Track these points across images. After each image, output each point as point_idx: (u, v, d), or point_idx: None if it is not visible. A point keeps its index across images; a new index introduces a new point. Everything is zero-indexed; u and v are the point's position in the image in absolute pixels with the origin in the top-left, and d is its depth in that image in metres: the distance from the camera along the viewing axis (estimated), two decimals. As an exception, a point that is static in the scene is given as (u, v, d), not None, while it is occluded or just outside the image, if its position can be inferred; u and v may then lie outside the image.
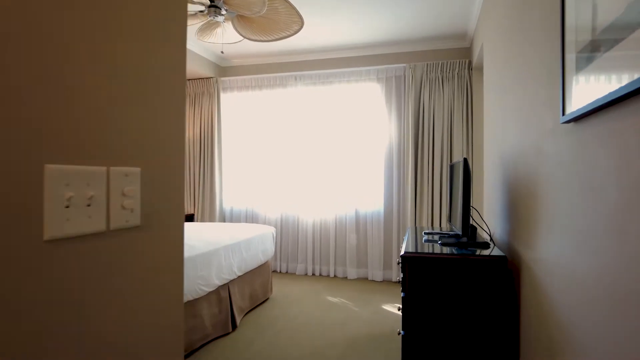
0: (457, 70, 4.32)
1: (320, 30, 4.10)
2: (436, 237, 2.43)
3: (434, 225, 4.35)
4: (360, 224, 4.74)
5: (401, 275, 1.99)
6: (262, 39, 3.22)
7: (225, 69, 5.26)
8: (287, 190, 4.97)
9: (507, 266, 1.83)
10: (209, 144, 5.12)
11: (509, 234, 2.13)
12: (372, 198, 4.69)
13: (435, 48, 4.48)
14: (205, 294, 2.76)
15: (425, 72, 4.42)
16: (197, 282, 2.64)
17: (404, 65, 4.53)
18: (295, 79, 4.93)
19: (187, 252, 2.61)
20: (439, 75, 4.37)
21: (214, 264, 2.84)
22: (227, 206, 5.26)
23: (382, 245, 4.62)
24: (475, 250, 2.01)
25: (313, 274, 4.86)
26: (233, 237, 3.23)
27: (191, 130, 5.24)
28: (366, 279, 4.69)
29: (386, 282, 4.57)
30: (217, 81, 5.11)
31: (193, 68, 4.77)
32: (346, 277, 4.73)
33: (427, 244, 2.27)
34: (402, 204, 4.57)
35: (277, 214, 5.01)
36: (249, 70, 5.14)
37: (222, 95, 5.23)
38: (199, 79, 5.17)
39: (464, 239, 2.16)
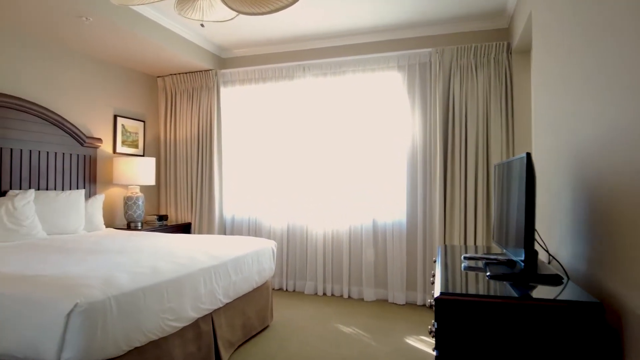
0: (493, 54, 3.61)
1: (330, 11, 3.48)
2: (480, 264, 1.75)
3: (468, 241, 3.63)
4: (378, 237, 4.06)
5: (434, 325, 1.33)
6: (254, 11, 2.61)
7: (226, 61, 4.70)
8: (294, 197, 4.34)
9: (604, 319, 1.17)
10: (208, 144, 4.55)
11: (590, 261, 1.44)
12: (393, 206, 4.01)
13: (466, 30, 3.79)
14: (175, 330, 2.14)
15: (455, 58, 3.73)
16: (163, 316, 2.03)
17: (430, 50, 3.86)
18: (304, 69, 4.31)
19: (149, 277, 2.00)
20: (471, 61, 3.67)
21: (187, 292, 2.22)
22: (227, 215, 4.67)
23: (404, 262, 3.92)
24: (543, 289, 1.33)
25: (324, 294, 4.20)
26: (217, 256, 2.60)
27: (188, 130, 4.68)
28: (386, 301, 3.99)
29: (410, 305, 3.87)
30: (216, 74, 4.54)
31: (189, 60, 4.22)
32: (362, 299, 4.05)
33: (468, 274, 1.60)
34: (429, 214, 3.87)
35: (283, 223, 4.38)
36: (252, 61, 4.56)
37: (222, 90, 4.67)
38: (196, 71, 4.62)
39: (520, 269, 1.48)
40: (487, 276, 1.51)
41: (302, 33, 4.06)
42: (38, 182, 3.39)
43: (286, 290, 4.36)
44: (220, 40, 4.30)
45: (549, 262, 1.87)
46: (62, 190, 3.55)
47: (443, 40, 3.85)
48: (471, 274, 1.61)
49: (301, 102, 4.31)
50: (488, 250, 2.26)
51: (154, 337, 1.98)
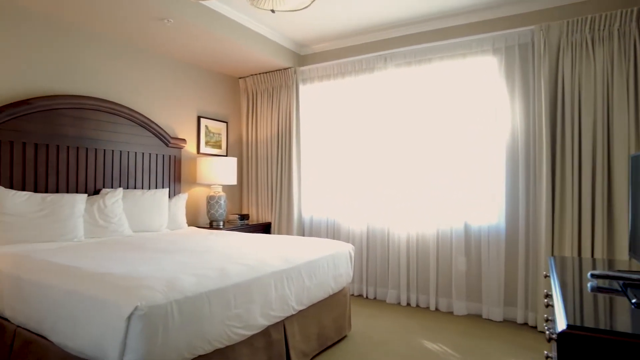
0: (617, 24, 2.97)
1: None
2: (616, 285, 1.33)
3: (583, 253, 3.03)
4: (471, 243, 3.60)
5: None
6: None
7: (305, 58, 4.57)
8: (374, 197, 4.05)
9: None
10: (287, 143, 4.46)
11: None
12: (488, 208, 3.53)
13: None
14: (244, 338, 2.00)
15: (564, 34, 3.15)
16: (230, 323, 1.89)
17: (532, 27, 3.32)
18: (385, 59, 4.00)
19: (216, 281, 1.88)
20: (586, 36, 3.07)
21: (256, 297, 2.07)
22: (306, 215, 4.53)
23: (502, 273, 3.42)
24: None
25: (408, 304, 3.84)
26: (289, 259, 2.43)
27: (268, 129, 4.64)
28: (479, 316, 3.52)
29: (508, 323, 3.36)
30: (295, 72, 4.44)
31: (269, 59, 4.17)
32: (451, 312, 3.62)
33: (600, 297, 1.20)
34: (533, 218, 3.32)
35: (362, 225, 4.12)
36: (330, 56, 4.37)
37: (301, 88, 4.55)
38: (276, 70, 4.57)
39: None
40: (633, 304, 1.11)
41: (381, 21, 3.77)
42: (127, 181, 3.55)
43: (366, 297, 4.08)
44: (298, 36, 4.18)
45: None
46: (148, 189, 3.69)
47: (549, 15, 3.28)
48: (603, 298, 1.20)
49: (382, 96, 4.01)
50: (611, 264, 1.78)
51: (220, 346, 1.85)
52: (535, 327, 3.22)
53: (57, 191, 3.04)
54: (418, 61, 3.85)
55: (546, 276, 1.71)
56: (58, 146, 3.05)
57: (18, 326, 2.05)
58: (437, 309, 3.70)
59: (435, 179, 3.74)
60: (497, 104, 3.47)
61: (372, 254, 4.08)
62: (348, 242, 4.18)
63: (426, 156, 3.78)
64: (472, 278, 3.58)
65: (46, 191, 2.98)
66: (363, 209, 4.11)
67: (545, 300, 1.48)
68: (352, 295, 4.16)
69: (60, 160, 3.07)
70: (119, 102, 3.57)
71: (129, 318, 1.50)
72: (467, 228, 3.61)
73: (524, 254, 3.33)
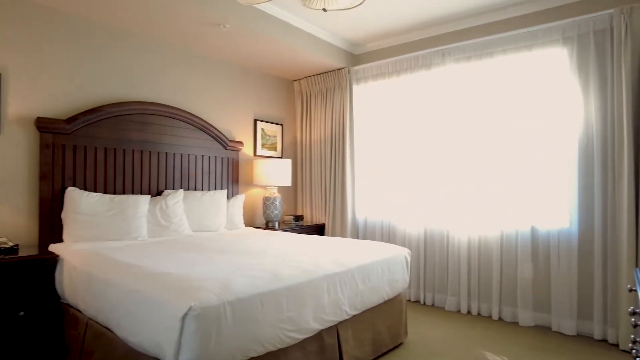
0: None
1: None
2: None
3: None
4: (539, 248, 3.34)
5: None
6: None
7: (358, 57, 4.51)
8: (432, 198, 3.89)
9: None
10: (340, 144, 4.42)
11: None
12: (558, 211, 3.24)
13: (668, -21, 2.83)
14: (295, 342, 1.98)
15: (650, 18, 2.82)
16: (282, 326, 1.88)
17: (610, 11, 3.00)
18: (443, 55, 3.83)
19: (268, 283, 1.88)
20: (677, 19, 2.72)
21: (308, 300, 2.04)
22: (360, 217, 4.46)
23: (574, 282, 3.13)
24: None
25: (468, 312, 3.65)
26: (342, 262, 2.38)
27: (322, 130, 4.63)
28: (548, 329, 3.25)
29: (583, 338, 3.06)
30: (349, 72, 4.39)
31: (323, 59, 4.15)
32: (516, 323, 3.38)
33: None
34: (612, 222, 2.99)
35: (419, 228, 3.97)
36: (384, 54, 4.26)
37: (355, 88, 4.49)
38: (329, 71, 4.54)
39: None
40: None
41: (438, 15, 3.61)
42: (188, 182, 3.69)
43: (423, 303, 3.93)
44: (351, 35, 4.13)
45: None
46: (208, 190, 3.81)
47: (631, -2, 2.95)
48: None
49: (440, 93, 3.84)
50: None
51: (272, 348, 1.84)
52: (617, 345, 2.90)
53: (123, 192, 3.24)
54: (478, 55, 3.64)
55: (631, 290, 1.51)
56: (124, 150, 3.25)
57: (89, 318, 2.19)
58: (500, 319, 3.47)
59: (498, 179, 3.51)
60: (568, 98, 3.19)
61: (430, 257, 3.92)
62: (404, 245, 4.06)
63: (489, 155, 3.57)
64: (540, 287, 3.31)
65: (114, 192, 3.18)
66: (420, 211, 3.96)
67: (633, 319, 1.30)
68: (409, 301, 4.02)
69: (126, 163, 3.26)
70: (180, 107, 3.73)
71: (184, 318, 1.53)
72: (534, 232, 3.35)
73: (601, 263, 3.02)
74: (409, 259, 2.95)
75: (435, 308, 3.79)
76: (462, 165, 3.70)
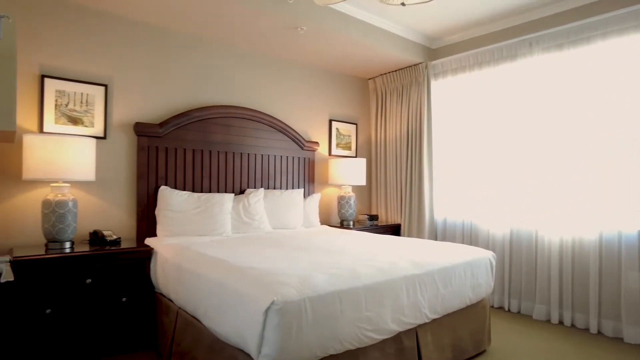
0: None
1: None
2: None
3: None
4: (647, 256, 2.96)
5: None
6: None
7: (436, 51, 4.35)
8: (519, 195, 3.62)
9: None
10: (417, 142, 4.30)
11: None
12: (672, 215, 2.85)
13: None
14: (374, 342, 1.96)
15: None
16: (360, 325, 1.87)
17: None
18: (530, 44, 3.55)
19: (346, 281, 1.88)
20: None
21: (387, 301, 2.01)
22: (438, 217, 4.30)
23: (695, 295, 2.72)
24: None
25: (560, 322, 3.34)
26: (422, 264, 2.30)
27: (397, 128, 4.54)
28: (661, 347, 2.87)
29: None
30: (426, 66, 4.25)
31: (398, 55, 4.07)
32: (621, 339, 3.02)
33: None
34: None
35: (504, 228, 3.72)
36: (465, 47, 4.06)
37: (433, 83, 4.33)
38: (405, 67, 4.44)
39: None
40: None
41: (521, 1, 3.35)
42: (267, 181, 3.84)
43: (508, 310, 3.68)
44: (429, 29, 3.99)
45: None
46: (286, 189, 3.93)
47: None
48: None
49: (527, 86, 3.57)
50: None
51: (351, 347, 1.83)
52: None
53: (209, 191, 3.45)
54: (572, 42, 3.32)
55: None
56: (210, 151, 3.46)
57: (180, 308, 2.37)
58: (599, 332, 3.13)
59: (594, 173, 3.17)
60: (687, 84, 2.78)
61: (515, 261, 3.66)
62: (487, 246, 3.83)
63: (581, 148, 3.23)
64: (651, 299, 2.93)
65: (201, 191, 3.40)
66: (505, 210, 3.71)
67: None
68: (492, 307, 3.79)
69: (212, 164, 3.47)
70: (259, 110, 3.88)
71: (266, 312, 1.58)
72: (642, 237, 2.97)
73: None
74: (493, 262, 2.78)
75: (521, 316, 3.53)
76: (551, 161, 3.40)
